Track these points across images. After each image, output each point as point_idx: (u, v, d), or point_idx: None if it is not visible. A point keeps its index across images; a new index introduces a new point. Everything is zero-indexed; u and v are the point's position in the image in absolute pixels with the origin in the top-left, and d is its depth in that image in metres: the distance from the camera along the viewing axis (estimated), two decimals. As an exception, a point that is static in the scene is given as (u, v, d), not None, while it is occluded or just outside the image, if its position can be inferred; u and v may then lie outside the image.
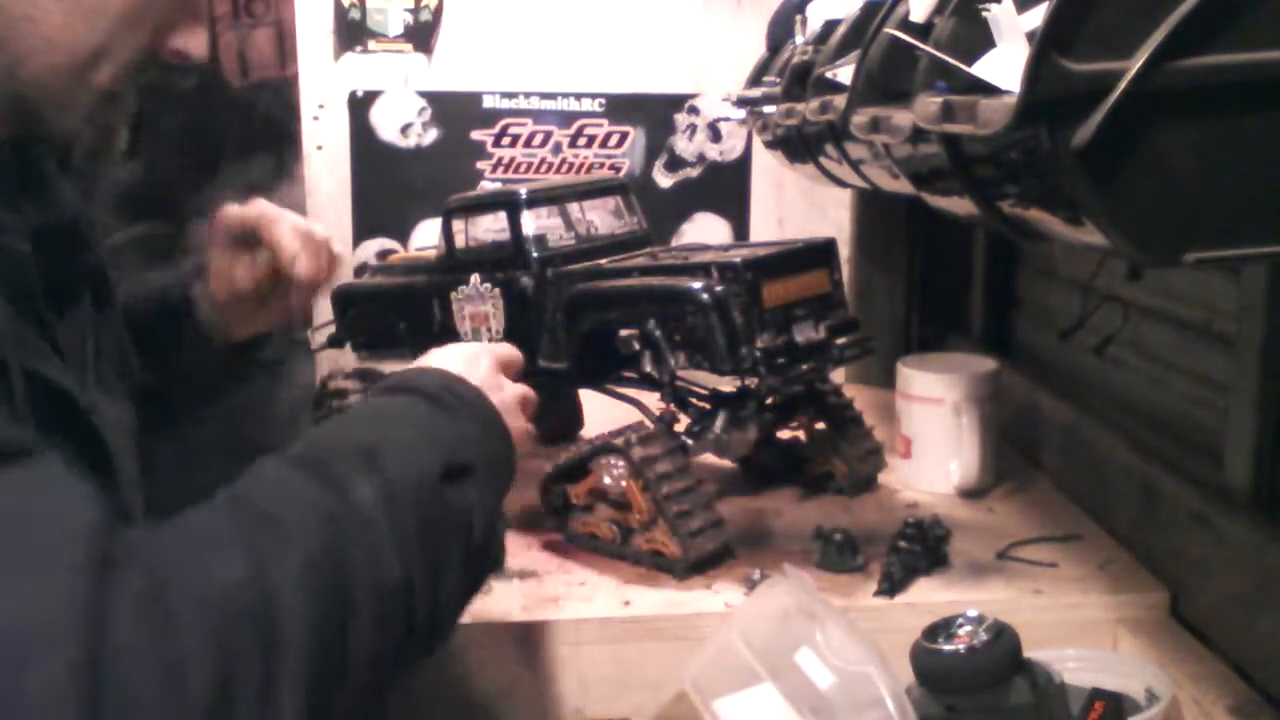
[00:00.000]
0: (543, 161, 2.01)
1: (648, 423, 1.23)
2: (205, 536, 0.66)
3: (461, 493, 0.78)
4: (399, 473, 0.75)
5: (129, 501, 0.87)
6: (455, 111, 1.99)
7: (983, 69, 0.69)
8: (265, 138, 2.35)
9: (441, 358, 0.90)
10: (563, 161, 2.01)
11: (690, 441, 1.23)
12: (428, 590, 0.73)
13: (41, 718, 0.54)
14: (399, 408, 0.85)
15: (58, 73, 0.80)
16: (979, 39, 0.71)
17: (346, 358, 1.59)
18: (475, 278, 1.33)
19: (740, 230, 2.05)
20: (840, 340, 1.22)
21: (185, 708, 0.58)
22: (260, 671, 0.61)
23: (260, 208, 1.08)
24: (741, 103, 1.48)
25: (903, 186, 1.00)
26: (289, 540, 0.67)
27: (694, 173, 2.03)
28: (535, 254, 1.30)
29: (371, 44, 1.96)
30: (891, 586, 1.14)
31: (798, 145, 1.39)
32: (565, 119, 2.00)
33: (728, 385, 1.25)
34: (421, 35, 1.97)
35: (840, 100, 1.01)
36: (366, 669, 0.68)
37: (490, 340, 1.34)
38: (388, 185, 1.99)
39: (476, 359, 0.91)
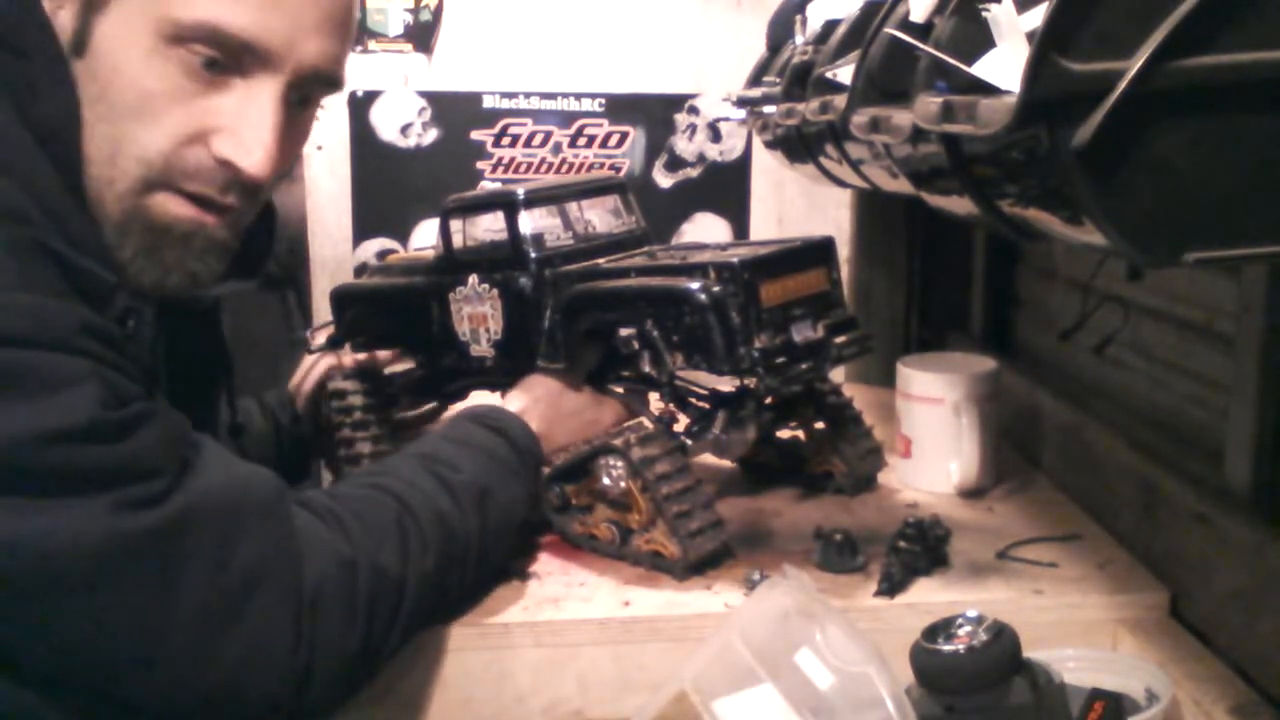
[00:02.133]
0: (543, 161, 2.01)
1: (647, 423, 1.23)
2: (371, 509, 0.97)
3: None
4: (498, 520, 1.11)
5: None
6: (455, 111, 1.99)
7: (983, 69, 0.69)
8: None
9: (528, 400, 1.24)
10: (563, 161, 2.01)
11: (689, 442, 1.23)
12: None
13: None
14: (498, 453, 1.15)
15: (90, 169, 0.83)
16: (979, 39, 0.71)
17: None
18: (474, 278, 1.33)
19: (740, 230, 2.05)
20: (839, 339, 1.22)
21: (354, 592, 0.89)
22: (394, 597, 0.94)
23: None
24: (741, 103, 1.48)
25: (903, 186, 1.00)
26: (426, 542, 0.99)
27: (694, 173, 2.03)
28: (533, 254, 1.30)
29: (371, 44, 1.96)
30: (891, 586, 1.14)
31: (798, 145, 1.39)
32: (565, 119, 2.00)
33: (726, 385, 1.25)
34: (421, 35, 1.97)
35: (840, 100, 1.01)
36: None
37: (489, 340, 1.34)
38: (388, 185, 1.99)
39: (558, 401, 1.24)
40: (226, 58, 0.82)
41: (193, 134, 0.83)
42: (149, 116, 0.82)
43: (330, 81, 0.89)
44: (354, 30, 0.91)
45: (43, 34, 0.82)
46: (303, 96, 0.88)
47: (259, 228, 0.98)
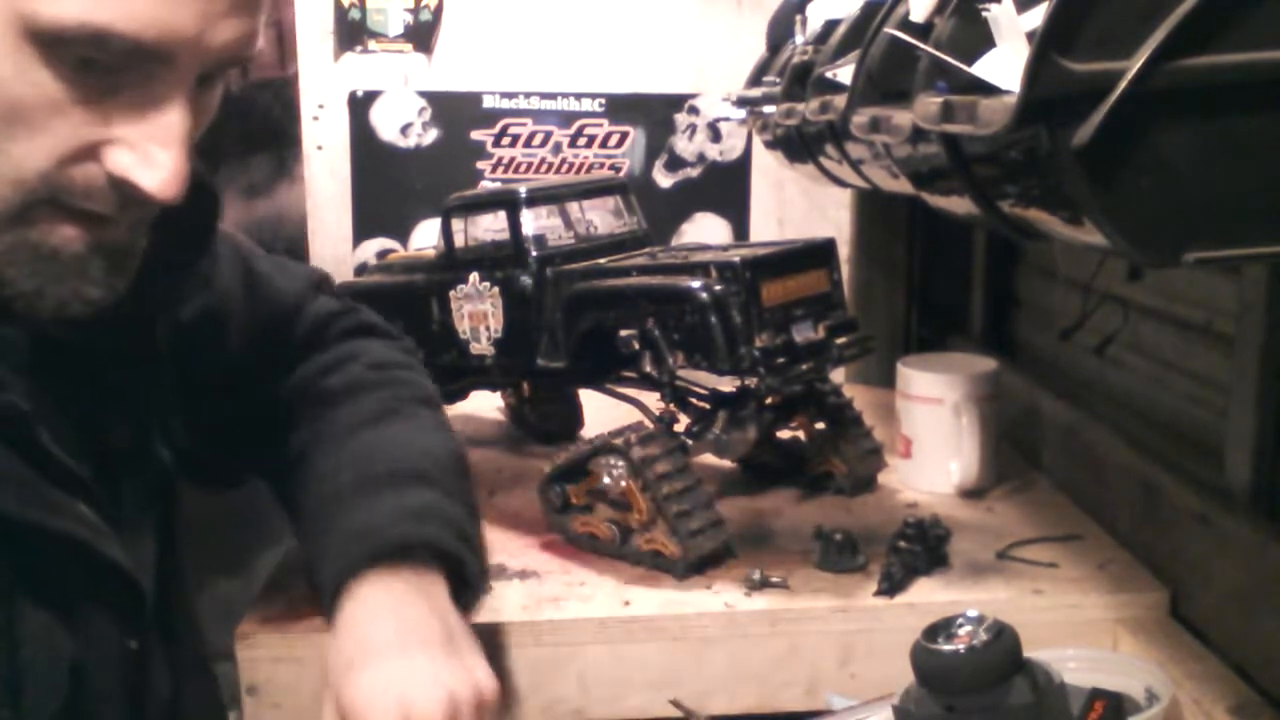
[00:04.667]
0: (543, 161, 2.01)
1: (647, 423, 1.23)
2: None
3: None
4: None
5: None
6: (455, 111, 1.99)
7: (983, 69, 0.69)
8: (265, 138, 2.35)
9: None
10: (563, 161, 2.01)
11: (690, 441, 1.23)
12: None
13: None
14: None
15: None
16: (979, 39, 0.71)
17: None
18: (474, 277, 1.33)
19: (740, 230, 2.05)
20: (840, 340, 1.22)
21: None
22: None
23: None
24: (741, 103, 1.48)
25: (903, 186, 1.00)
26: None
27: (694, 173, 2.03)
28: (534, 253, 1.30)
29: (371, 44, 1.96)
30: (891, 586, 1.14)
31: (798, 145, 1.39)
32: (565, 119, 2.00)
33: (727, 385, 1.25)
34: (421, 35, 1.97)
35: (840, 100, 1.01)
36: None
37: (489, 339, 1.34)
38: (388, 185, 1.99)
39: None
40: (114, 59, 0.66)
41: (80, 149, 0.68)
42: (22, 130, 0.66)
43: (244, 60, 0.73)
44: None
45: None
46: (206, 78, 0.72)
47: (191, 216, 0.80)
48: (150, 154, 0.68)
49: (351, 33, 1.94)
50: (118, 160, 0.68)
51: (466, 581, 0.99)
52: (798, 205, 2.02)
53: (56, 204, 0.69)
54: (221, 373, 1.03)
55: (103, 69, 0.66)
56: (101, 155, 0.68)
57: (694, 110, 2.02)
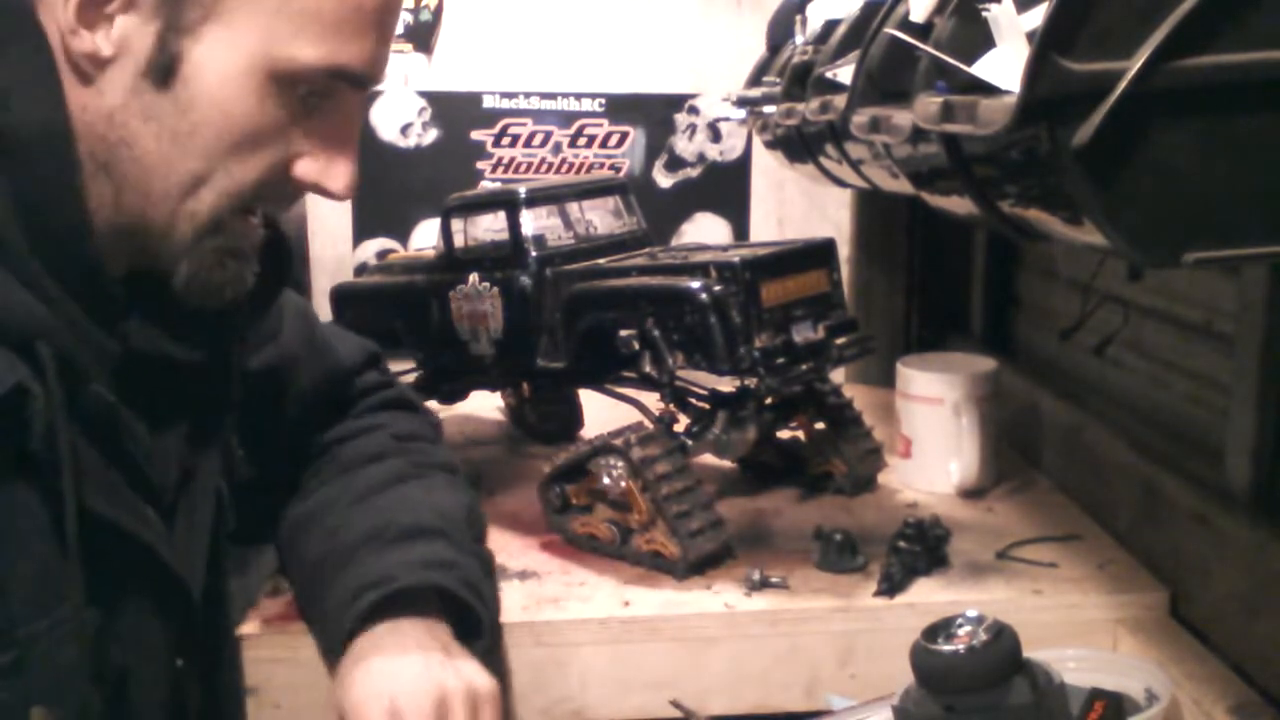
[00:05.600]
0: (543, 161, 2.01)
1: (647, 423, 1.23)
2: None
3: None
4: None
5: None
6: (455, 111, 1.99)
7: (983, 69, 0.69)
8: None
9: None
10: (563, 161, 2.01)
11: (690, 442, 1.23)
12: None
13: None
14: None
15: (154, 199, 0.76)
16: (979, 39, 0.71)
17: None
18: (474, 277, 1.33)
19: (740, 230, 2.05)
20: (839, 340, 1.22)
21: None
22: None
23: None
24: (741, 103, 1.48)
25: (903, 186, 1.00)
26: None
27: (694, 173, 2.03)
28: (534, 253, 1.30)
29: (371, 44, 1.96)
30: (891, 586, 1.14)
31: (798, 145, 1.39)
32: (565, 119, 2.00)
33: (727, 385, 1.25)
34: (421, 35, 1.97)
35: (840, 100, 1.01)
36: None
37: (489, 339, 1.34)
38: (388, 185, 1.99)
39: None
40: (329, 87, 0.78)
41: (284, 162, 0.79)
42: (246, 151, 0.76)
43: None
44: None
45: (14, 19, 0.73)
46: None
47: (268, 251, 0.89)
48: (334, 162, 0.80)
49: (351, 33, 1.94)
50: (308, 169, 0.80)
51: (475, 631, 0.99)
52: (798, 205, 2.02)
53: (248, 209, 0.80)
54: (274, 427, 1.06)
55: (316, 96, 0.78)
56: (293, 165, 0.80)
57: (694, 110, 2.02)
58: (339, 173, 0.81)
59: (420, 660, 0.89)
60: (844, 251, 1.91)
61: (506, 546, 1.26)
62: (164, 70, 0.74)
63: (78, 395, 0.74)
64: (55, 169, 0.74)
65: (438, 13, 1.96)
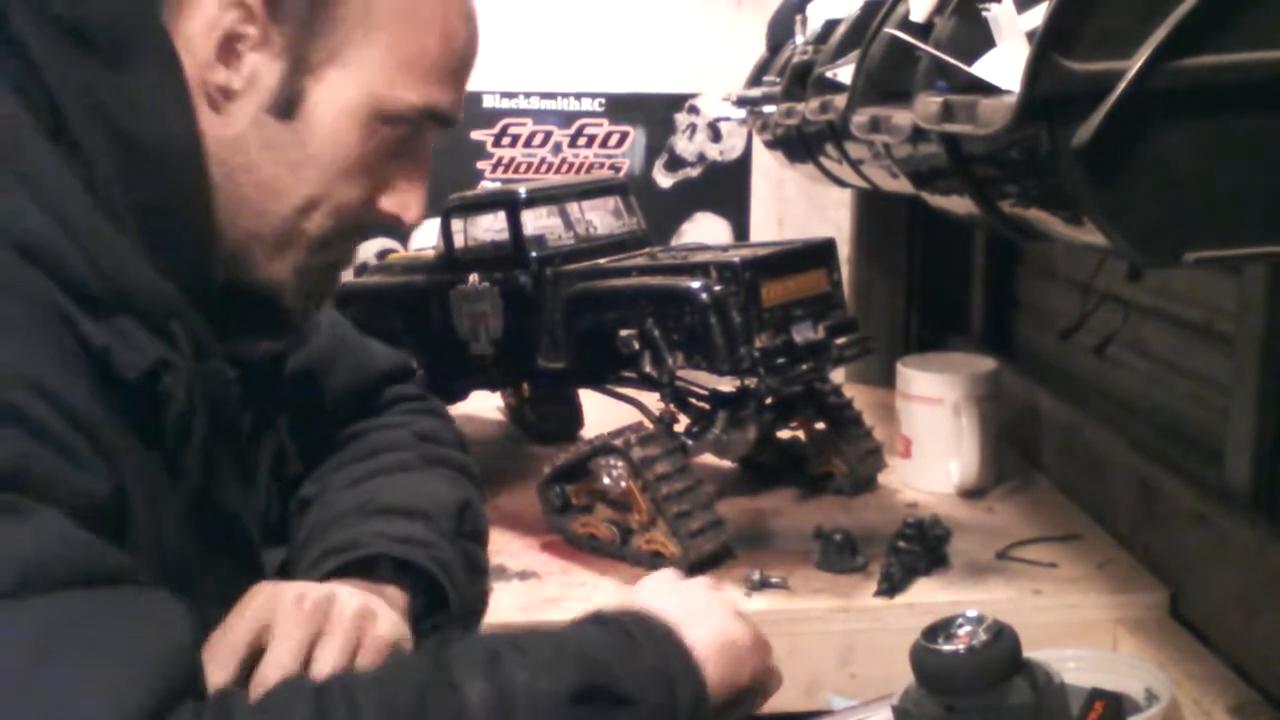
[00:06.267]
0: (543, 161, 2.01)
1: (647, 423, 1.23)
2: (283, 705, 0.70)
3: (605, 716, 0.75)
4: (524, 683, 0.74)
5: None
6: (455, 111, 1.98)
7: (983, 69, 0.69)
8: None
9: (655, 593, 0.86)
10: (563, 161, 2.01)
11: (690, 442, 1.23)
12: None
13: None
14: (570, 631, 0.83)
15: (270, 221, 0.82)
16: (979, 39, 0.71)
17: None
18: (474, 277, 1.33)
19: (740, 230, 2.05)
20: (839, 340, 1.22)
21: None
22: None
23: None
24: (741, 102, 1.48)
25: (903, 186, 1.00)
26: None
27: (694, 173, 2.03)
28: (534, 254, 1.30)
29: (371, 44, 1.96)
30: (891, 586, 1.14)
31: (798, 145, 1.39)
32: (565, 119, 2.00)
33: (727, 385, 1.25)
34: (421, 35, 1.97)
35: (840, 100, 1.01)
36: None
37: (489, 339, 1.34)
38: (387, 185, 1.99)
39: (694, 595, 0.85)
40: (417, 126, 0.85)
41: (375, 192, 0.85)
42: (352, 179, 0.83)
43: None
44: None
45: (154, 44, 0.78)
46: None
47: None
48: (410, 194, 0.86)
49: (351, 33, 1.94)
50: (390, 201, 0.86)
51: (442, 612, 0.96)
52: (798, 205, 2.03)
53: (346, 237, 0.86)
54: (308, 429, 1.07)
55: (409, 132, 0.84)
56: (377, 197, 0.85)
57: (694, 110, 2.02)
58: (414, 205, 0.87)
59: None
60: (844, 251, 1.91)
61: (506, 546, 1.26)
62: (287, 105, 0.80)
63: (203, 371, 0.79)
64: (185, 184, 0.79)
65: (438, 13, 1.96)
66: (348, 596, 0.85)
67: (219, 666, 0.78)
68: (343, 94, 0.81)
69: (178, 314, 0.78)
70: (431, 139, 0.88)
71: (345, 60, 0.81)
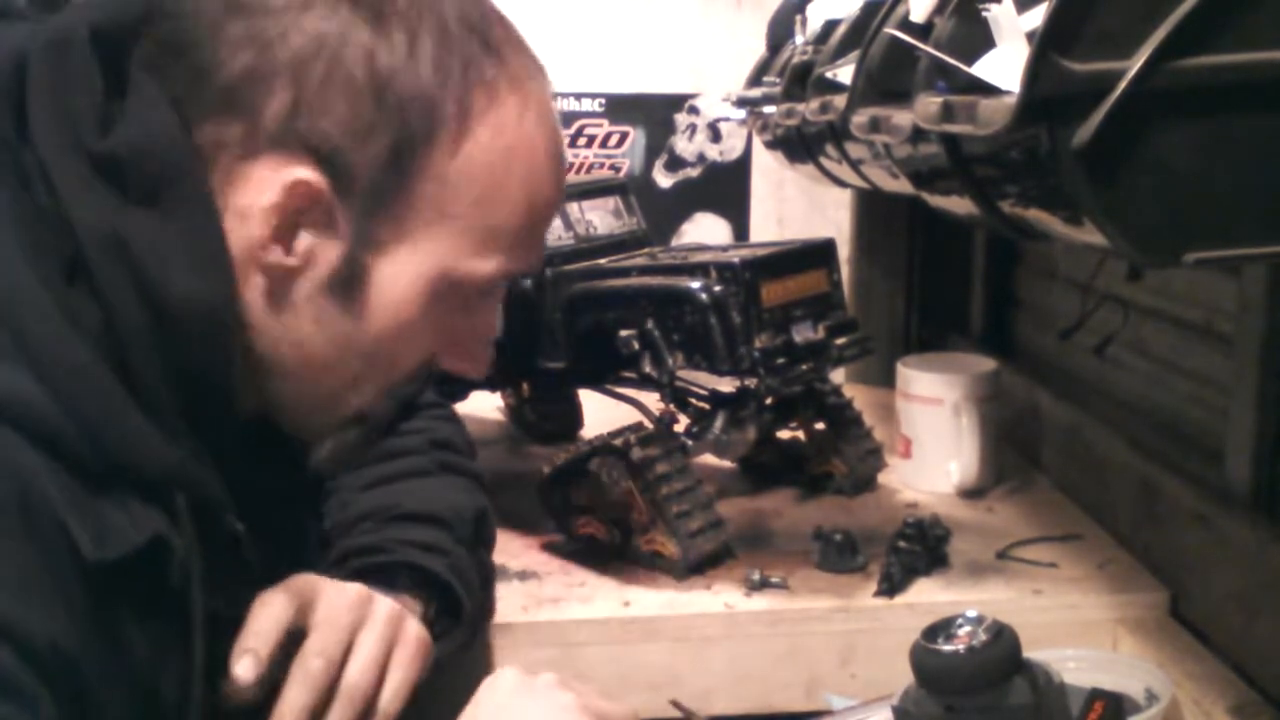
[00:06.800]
0: (543, 161, 2.01)
1: (647, 423, 1.23)
2: None
3: None
4: None
5: None
6: (455, 111, 1.98)
7: (983, 69, 0.69)
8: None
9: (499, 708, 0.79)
10: (562, 161, 2.01)
11: (690, 442, 1.23)
12: None
13: None
14: None
15: (318, 393, 0.77)
16: (979, 39, 0.71)
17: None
18: (475, 278, 1.33)
19: (740, 230, 2.05)
20: (839, 340, 1.22)
21: None
22: None
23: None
24: (741, 103, 1.48)
25: (903, 186, 1.00)
26: None
27: (694, 173, 2.03)
28: (535, 254, 1.30)
29: (371, 44, 1.96)
30: (891, 587, 1.14)
31: (798, 145, 1.39)
32: (565, 119, 2.00)
33: (727, 386, 1.25)
34: (421, 35, 1.97)
35: (840, 100, 1.01)
36: None
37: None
38: (387, 185, 1.99)
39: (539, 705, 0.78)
40: (494, 289, 0.80)
41: (436, 353, 0.80)
42: (405, 344, 0.77)
43: None
44: None
45: (191, 195, 0.70)
46: None
47: None
48: (476, 350, 0.81)
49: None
50: (455, 361, 0.80)
51: (456, 621, 0.97)
52: (798, 205, 2.02)
53: (392, 391, 0.80)
54: None
55: (482, 295, 0.78)
56: (441, 354, 0.80)
57: (694, 110, 2.02)
58: (479, 360, 0.82)
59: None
60: (844, 251, 1.91)
61: (506, 546, 1.25)
62: (347, 284, 0.74)
63: (209, 531, 0.73)
64: (214, 348, 0.72)
65: (438, 13, 1.96)
66: (381, 595, 0.85)
67: (260, 639, 0.76)
68: (411, 270, 0.74)
69: (183, 485, 0.71)
70: (500, 297, 0.82)
71: (417, 239, 0.74)
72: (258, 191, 0.70)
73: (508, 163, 0.74)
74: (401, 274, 0.74)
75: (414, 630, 0.86)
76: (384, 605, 0.85)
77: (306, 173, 0.70)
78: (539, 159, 0.76)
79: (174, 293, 0.69)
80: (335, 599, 0.82)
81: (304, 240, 0.72)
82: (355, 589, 0.84)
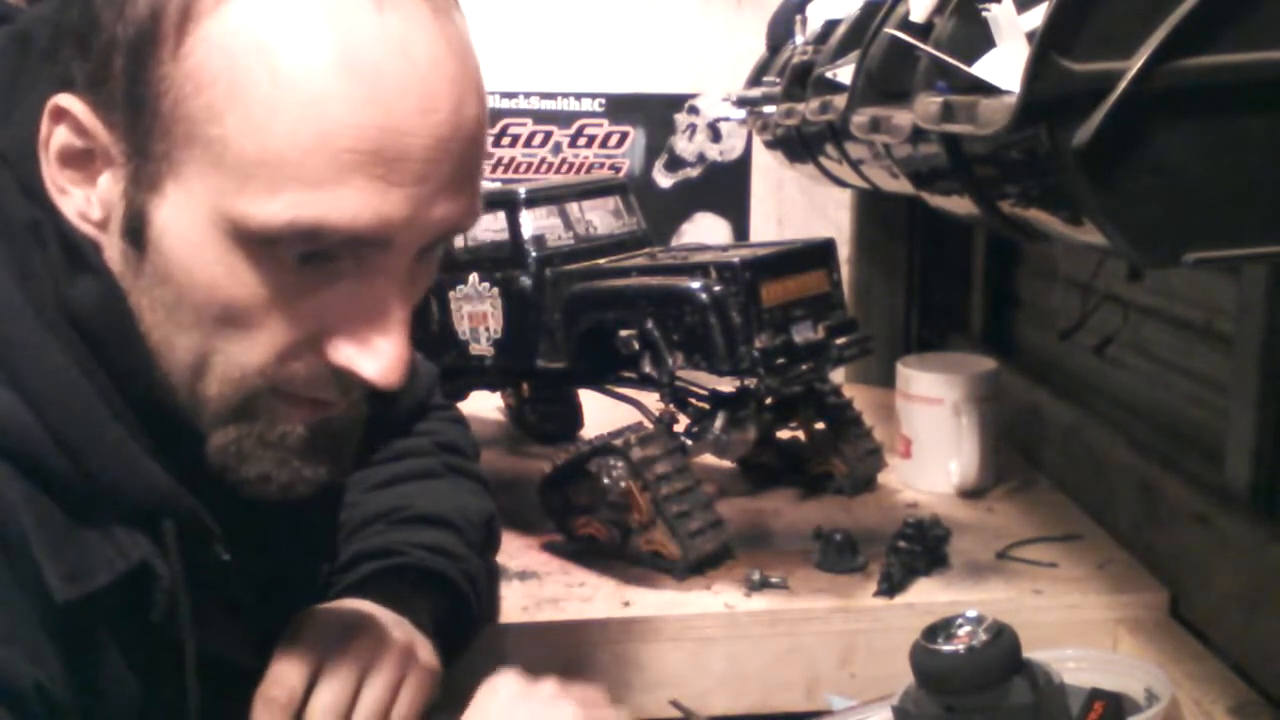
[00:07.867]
0: (543, 161, 2.01)
1: (647, 423, 1.23)
2: None
3: None
4: None
5: None
6: (455, 111, 1.98)
7: (983, 69, 0.69)
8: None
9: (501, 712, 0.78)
10: (563, 161, 2.01)
11: (690, 442, 1.23)
12: None
13: None
14: None
15: (173, 378, 0.67)
16: (979, 39, 0.71)
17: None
18: (474, 277, 1.33)
19: (740, 230, 2.05)
20: (839, 340, 1.22)
21: None
22: None
23: None
24: (741, 103, 1.48)
25: (903, 186, 1.00)
26: None
27: (694, 173, 2.03)
28: (534, 254, 1.30)
29: (371, 44, 1.96)
30: (891, 587, 1.14)
31: (798, 145, 1.39)
32: (565, 119, 2.00)
33: (727, 385, 1.25)
34: (421, 35, 1.97)
35: (840, 100, 1.01)
36: None
37: (489, 339, 1.34)
38: (387, 185, 1.99)
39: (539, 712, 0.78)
40: (332, 250, 0.63)
41: (300, 341, 0.65)
42: (237, 328, 0.64)
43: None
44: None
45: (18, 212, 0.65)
46: (425, 249, 0.68)
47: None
48: (371, 342, 0.66)
49: (351, 33, 1.94)
50: (339, 351, 0.66)
51: (464, 627, 0.97)
52: (798, 205, 2.02)
53: (279, 393, 0.67)
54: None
55: (322, 259, 0.63)
56: (322, 347, 0.66)
57: (694, 110, 2.02)
58: (375, 355, 0.66)
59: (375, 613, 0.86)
60: (844, 251, 1.91)
61: (506, 546, 1.25)
62: (135, 232, 0.64)
63: (197, 559, 0.71)
64: (121, 343, 0.66)
65: (438, 13, 1.96)
66: (390, 626, 0.84)
67: (275, 711, 0.76)
68: (191, 214, 0.62)
69: (169, 512, 0.68)
70: (393, 267, 0.65)
71: (181, 172, 0.62)
72: (43, 138, 0.64)
73: (263, 65, 0.59)
74: (178, 217, 0.62)
75: (422, 660, 0.85)
76: (393, 645, 0.83)
77: (66, 99, 0.63)
78: (318, 62, 0.59)
79: (80, 302, 0.66)
80: (339, 649, 0.81)
81: (100, 186, 0.64)
82: (361, 631, 0.83)
